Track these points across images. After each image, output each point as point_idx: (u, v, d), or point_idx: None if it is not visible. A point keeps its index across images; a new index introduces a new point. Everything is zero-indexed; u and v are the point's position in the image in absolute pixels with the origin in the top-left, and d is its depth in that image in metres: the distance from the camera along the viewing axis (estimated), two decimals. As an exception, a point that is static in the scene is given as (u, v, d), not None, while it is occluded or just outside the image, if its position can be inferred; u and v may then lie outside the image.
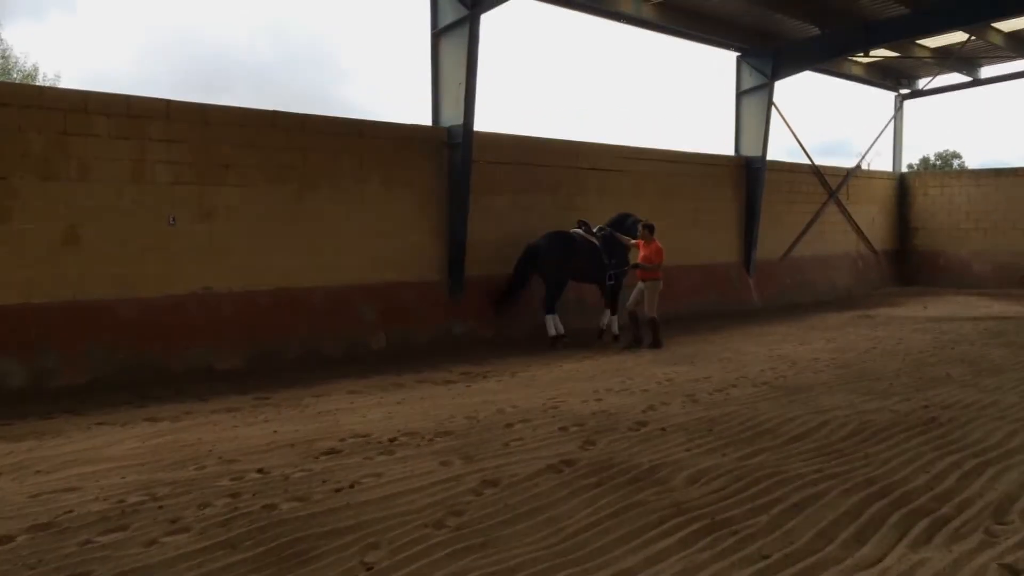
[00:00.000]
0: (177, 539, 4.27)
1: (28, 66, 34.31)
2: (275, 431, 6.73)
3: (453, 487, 5.13)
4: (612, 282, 12.45)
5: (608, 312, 12.54)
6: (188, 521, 4.52)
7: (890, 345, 11.80)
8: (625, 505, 4.77)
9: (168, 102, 9.13)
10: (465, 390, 8.74)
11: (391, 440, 6.39)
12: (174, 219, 9.15)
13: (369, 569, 3.92)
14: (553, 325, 11.95)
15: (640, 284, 11.83)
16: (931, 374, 9.28)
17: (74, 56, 53.72)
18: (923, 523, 4.43)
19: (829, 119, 70.13)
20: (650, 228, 11.92)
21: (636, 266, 11.94)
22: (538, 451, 6.00)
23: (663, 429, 6.63)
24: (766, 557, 4.01)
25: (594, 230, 12.59)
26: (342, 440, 6.40)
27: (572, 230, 12.53)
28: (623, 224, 12.72)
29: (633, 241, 12.30)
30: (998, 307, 17.37)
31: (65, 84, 35.03)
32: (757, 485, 5.08)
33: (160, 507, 4.75)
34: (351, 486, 5.15)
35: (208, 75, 59.81)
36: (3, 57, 33.28)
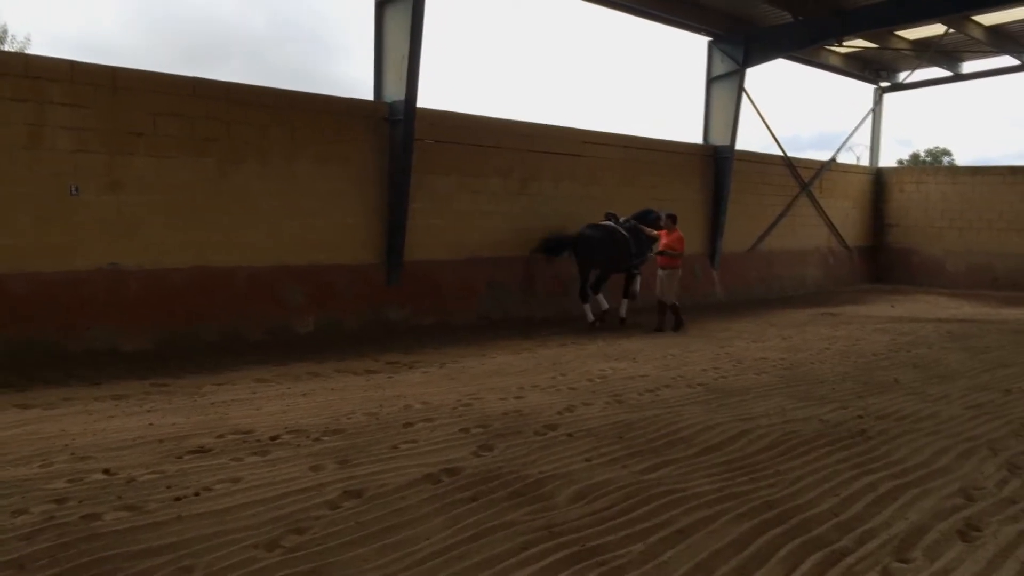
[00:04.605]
0: (-36, 555, 3.74)
1: (-6, 27, 33.22)
2: (151, 424, 6.19)
3: (311, 498, 4.61)
4: (638, 272, 13.14)
5: (625, 301, 13.10)
6: (-12, 532, 3.98)
7: (845, 345, 11.34)
8: (493, 526, 4.26)
9: (72, 63, 8.48)
10: (384, 382, 8.21)
11: (272, 438, 5.86)
12: (76, 189, 8.54)
13: (167, 599, 3.40)
14: (591, 312, 12.40)
15: (660, 272, 12.45)
16: (879, 379, 8.82)
17: (52, 20, 52.35)
18: (816, 557, 3.94)
19: (821, 112, 69.63)
20: (672, 218, 12.57)
21: (660, 253, 12.43)
22: (425, 456, 5.49)
23: (570, 435, 6.12)
24: (626, 596, 3.52)
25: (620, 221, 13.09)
26: (219, 437, 5.86)
27: (604, 222, 12.82)
28: (646, 218, 13.28)
29: (656, 232, 12.83)
30: (966, 308, 16.99)
31: (35, 49, 34.03)
32: (647, 505, 4.58)
33: (-33, 513, 4.21)
34: (196, 494, 4.61)
35: (200, 48, 58.45)
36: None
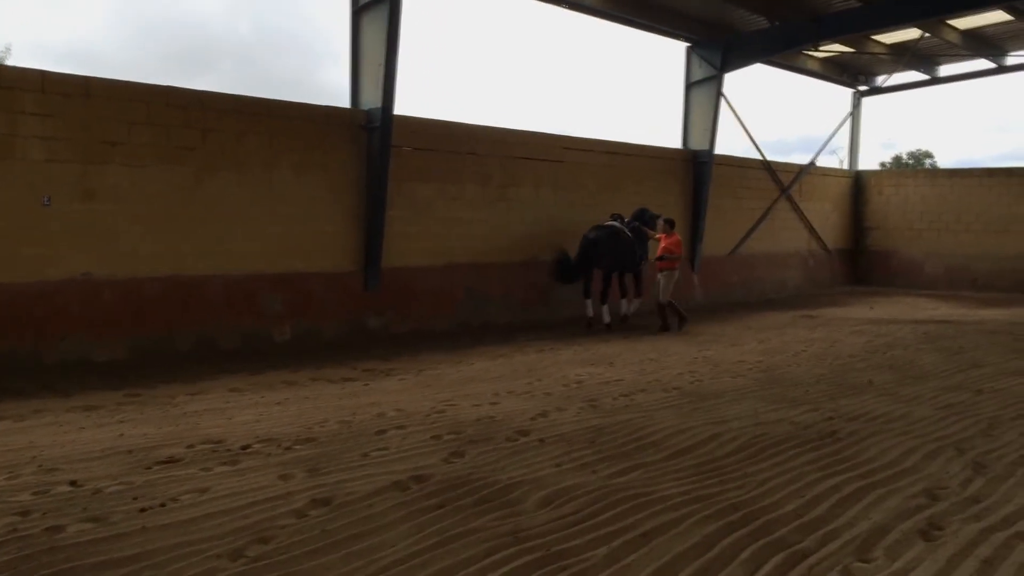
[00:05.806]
0: (-78, 569, 3.71)
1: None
2: (121, 434, 6.16)
3: (278, 507, 4.61)
4: (639, 272, 13.54)
5: (636, 300, 13.63)
6: (-52, 546, 3.95)
7: (822, 348, 11.42)
8: (458, 532, 4.27)
9: (43, 73, 8.45)
10: (360, 390, 8.21)
11: (243, 448, 5.85)
12: (49, 199, 8.50)
13: (126, 611, 3.39)
14: (592, 310, 12.85)
15: (659, 275, 12.83)
16: (853, 380, 8.88)
17: (35, 30, 52.03)
18: (777, 558, 3.97)
19: (805, 116, 70.10)
20: (670, 222, 12.93)
21: (661, 258, 12.69)
22: (395, 464, 5.49)
23: (542, 440, 6.14)
24: (587, 601, 3.54)
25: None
26: (189, 447, 5.85)
27: (607, 223, 13.06)
28: (643, 217, 13.66)
29: (657, 235, 13.12)
30: (944, 310, 17.11)
31: (16, 59, 33.77)
32: (613, 509, 4.60)
33: (-73, 528, 4.18)
34: (162, 504, 4.60)
35: (186, 55, 58.25)
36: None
